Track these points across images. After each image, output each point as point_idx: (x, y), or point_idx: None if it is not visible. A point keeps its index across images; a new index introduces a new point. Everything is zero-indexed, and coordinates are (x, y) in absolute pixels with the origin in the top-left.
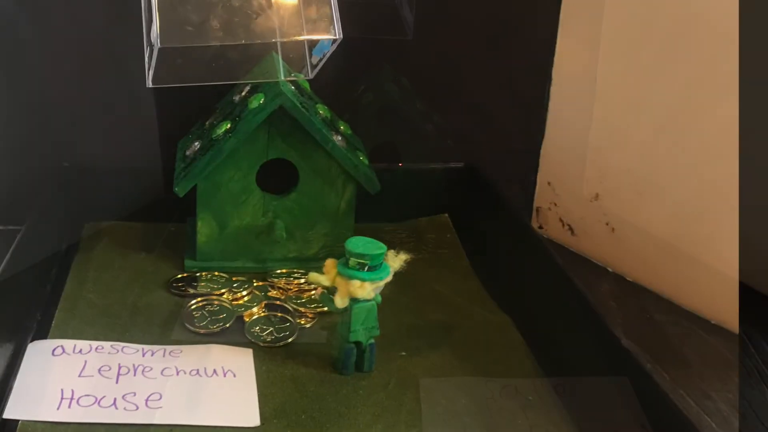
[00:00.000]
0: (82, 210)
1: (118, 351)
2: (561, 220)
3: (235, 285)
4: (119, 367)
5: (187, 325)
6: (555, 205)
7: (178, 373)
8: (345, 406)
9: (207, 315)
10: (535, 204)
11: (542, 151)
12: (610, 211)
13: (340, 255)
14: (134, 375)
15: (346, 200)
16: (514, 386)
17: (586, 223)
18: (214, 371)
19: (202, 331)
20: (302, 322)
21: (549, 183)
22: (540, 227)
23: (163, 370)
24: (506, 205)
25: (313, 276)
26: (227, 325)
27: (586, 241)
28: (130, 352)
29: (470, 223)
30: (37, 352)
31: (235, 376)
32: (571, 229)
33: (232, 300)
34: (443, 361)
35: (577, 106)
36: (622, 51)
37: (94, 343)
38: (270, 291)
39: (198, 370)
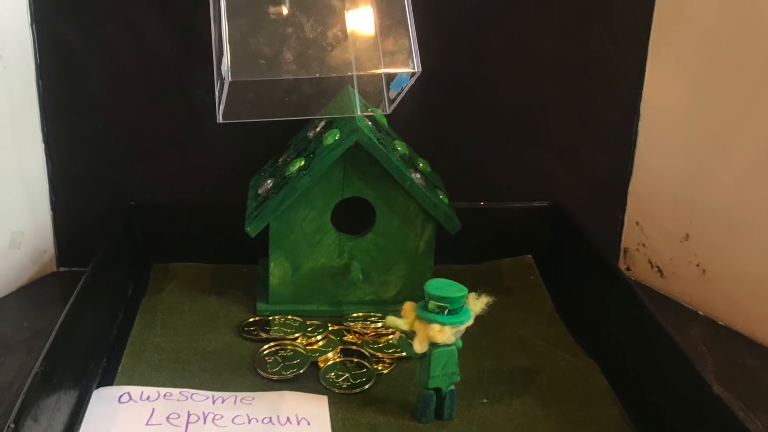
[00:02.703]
0: (150, 251)
1: (187, 398)
2: (650, 261)
3: (309, 329)
4: (189, 415)
5: (260, 371)
6: (643, 245)
7: (249, 421)
8: None
9: (280, 360)
10: (623, 244)
11: (630, 190)
12: (701, 252)
13: (419, 298)
14: (204, 423)
15: (425, 240)
16: None
17: (675, 264)
18: (288, 419)
19: (275, 377)
20: (379, 368)
21: (637, 223)
22: (628, 269)
23: (234, 418)
24: (592, 245)
25: (391, 320)
26: (301, 371)
27: (676, 283)
28: (199, 399)
29: (555, 265)
30: (102, 399)
31: (309, 424)
32: (660, 270)
33: (306, 345)
34: (526, 409)
35: (666, 143)
36: (713, 85)
37: (163, 390)
38: (346, 335)
39: (270, 417)
